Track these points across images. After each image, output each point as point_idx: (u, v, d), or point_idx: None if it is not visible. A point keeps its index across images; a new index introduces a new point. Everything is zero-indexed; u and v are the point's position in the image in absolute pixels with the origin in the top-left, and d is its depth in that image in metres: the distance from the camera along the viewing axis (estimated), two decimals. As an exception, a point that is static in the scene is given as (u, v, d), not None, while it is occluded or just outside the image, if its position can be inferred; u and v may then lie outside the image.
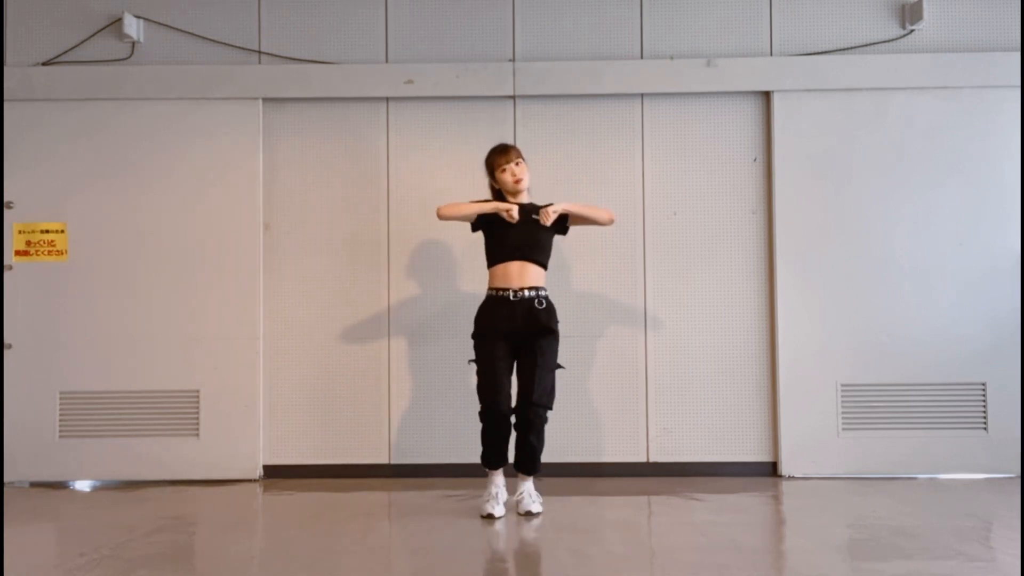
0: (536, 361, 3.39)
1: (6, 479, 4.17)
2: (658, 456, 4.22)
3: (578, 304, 4.20)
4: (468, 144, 4.23)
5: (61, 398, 4.22)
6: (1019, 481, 4.01)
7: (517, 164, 3.51)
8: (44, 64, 4.30)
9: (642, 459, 4.22)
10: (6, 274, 4.23)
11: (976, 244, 4.20)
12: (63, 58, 4.30)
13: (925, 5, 4.16)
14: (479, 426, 3.48)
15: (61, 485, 4.19)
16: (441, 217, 3.51)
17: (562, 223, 3.55)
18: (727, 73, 4.24)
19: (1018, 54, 4.19)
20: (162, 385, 4.22)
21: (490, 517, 3.38)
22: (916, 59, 4.22)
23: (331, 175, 4.32)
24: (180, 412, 4.22)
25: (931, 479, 4.11)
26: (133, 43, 4.31)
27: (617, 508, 3.58)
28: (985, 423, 4.15)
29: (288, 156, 4.32)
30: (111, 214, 4.26)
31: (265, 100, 4.31)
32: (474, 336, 3.50)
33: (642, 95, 4.30)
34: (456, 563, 2.78)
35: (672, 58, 4.28)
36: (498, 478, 3.51)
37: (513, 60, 4.30)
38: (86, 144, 4.28)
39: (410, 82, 4.26)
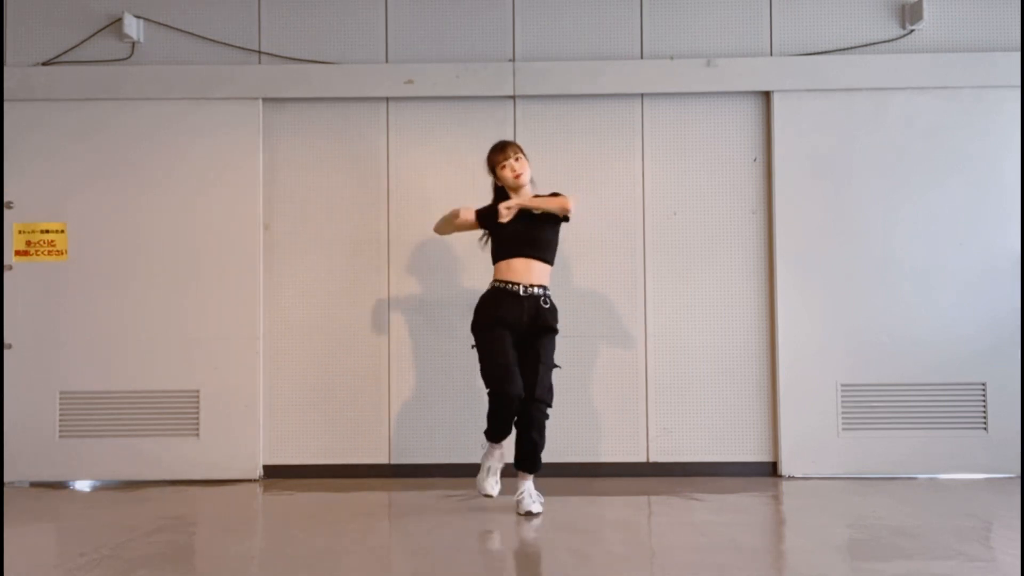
0: (539, 358, 3.41)
1: (6, 479, 4.17)
2: (658, 456, 4.22)
3: (578, 304, 4.20)
4: (468, 144, 4.23)
5: (61, 398, 4.22)
6: (1019, 481, 4.00)
7: (516, 160, 3.52)
8: (44, 64, 4.30)
9: (642, 459, 4.22)
10: (6, 274, 4.23)
11: (976, 244, 4.20)
12: (63, 58, 4.30)
13: (925, 5, 4.16)
14: (480, 426, 3.49)
15: (61, 485, 4.19)
16: (438, 233, 3.74)
17: (558, 216, 3.54)
18: (727, 73, 4.24)
19: (1018, 54, 4.19)
20: (162, 385, 4.22)
21: (488, 497, 3.44)
22: (916, 59, 4.22)
23: (331, 175, 4.32)
24: (180, 412, 4.22)
25: (931, 479, 4.11)
26: (133, 43, 4.31)
27: (617, 508, 3.58)
28: (985, 423, 4.15)
29: (288, 156, 4.32)
30: (111, 214, 4.26)
31: (265, 100, 4.31)
32: (477, 325, 3.47)
33: (642, 95, 4.30)
34: (456, 563, 2.78)
35: (672, 58, 4.28)
36: (497, 451, 3.50)
37: (513, 60, 4.30)
38: (86, 144, 4.28)
39: (410, 82, 4.26)
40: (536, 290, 3.45)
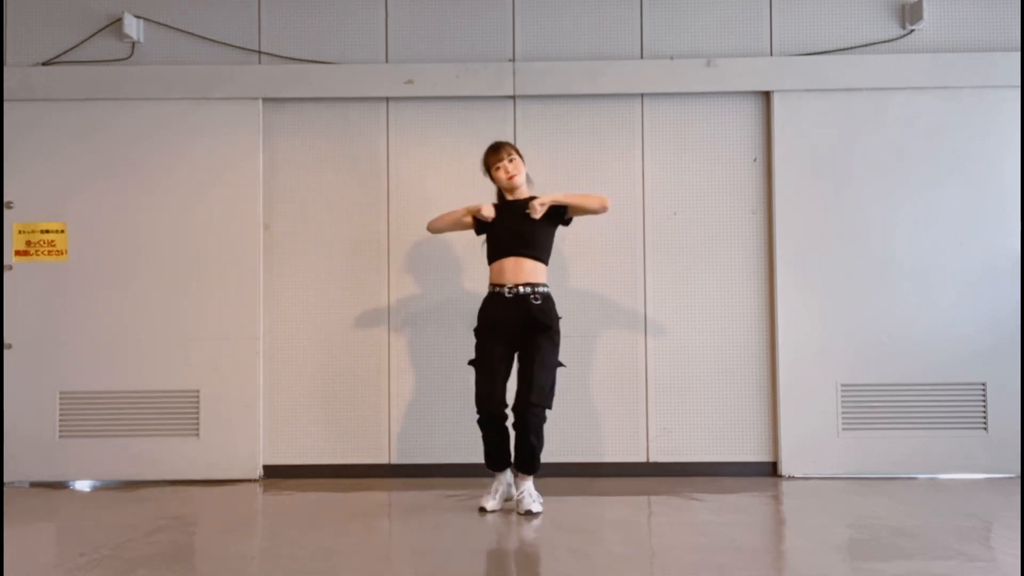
0: (533, 358, 3.40)
1: (6, 479, 4.17)
2: (658, 456, 4.22)
3: (578, 304, 4.20)
4: (468, 144, 4.23)
5: (61, 398, 4.22)
6: (1019, 481, 4.01)
7: (510, 161, 3.53)
8: (44, 64, 4.30)
9: (642, 459, 4.22)
10: (6, 274, 4.23)
11: (976, 244, 4.20)
12: (63, 58, 4.30)
13: (925, 5, 4.16)
14: (480, 434, 3.49)
15: (61, 485, 4.19)
16: (431, 231, 3.72)
17: (560, 215, 3.56)
18: (727, 73, 4.24)
19: (1018, 54, 4.19)
20: (162, 385, 4.22)
21: (482, 510, 3.45)
22: (916, 59, 4.22)
23: (331, 175, 4.32)
24: (180, 412, 4.22)
25: (931, 479, 4.11)
26: (133, 43, 4.31)
27: (617, 508, 3.58)
28: (985, 423, 4.15)
29: (288, 156, 4.32)
30: (111, 214, 4.26)
31: (265, 100, 4.31)
32: (475, 332, 3.54)
33: (642, 95, 4.30)
34: (456, 563, 2.78)
35: (672, 58, 4.28)
36: (503, 476, 3.53)
37: (513, 60, 4.30)
38: (86, 144, 4.28)
39: (410, 82, 4.26)
40: (524, 289, 3.44)
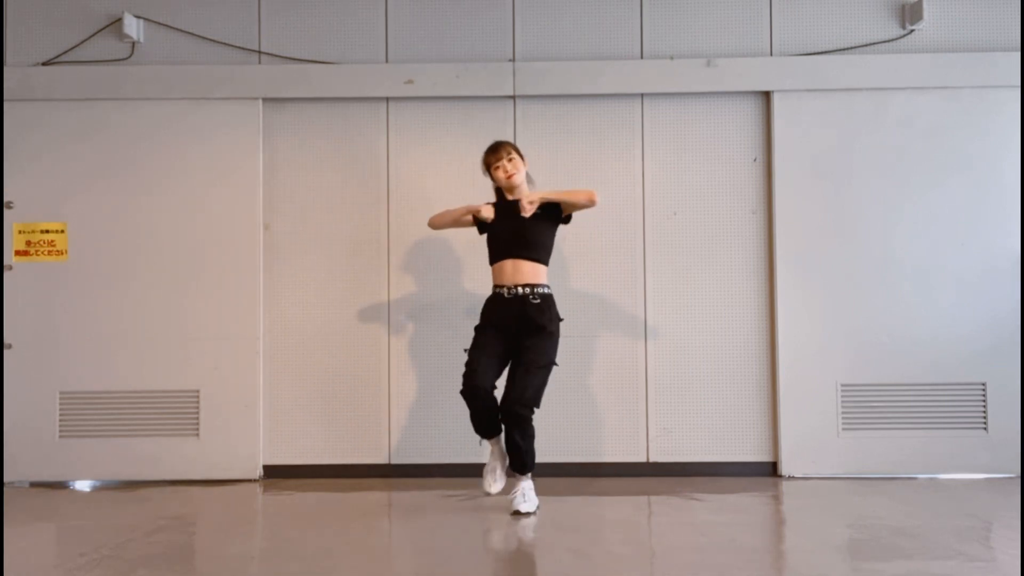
0: (524, 358, 3.41)
1: (6, 479, 4.17)
2: (658, 456, 4.22)
3: (578, 304, 4.20)
4: (468, 144, 4.23)
5: (61, 398, 4.22)
6: (1019, 481, 4.01)
7: (509, 160, 3.54)
8: (44, 64, 4.30)
9: (642, 459, 4.22)
10: (6, 274, 4.23)
11: (976, 244, 4.20)
12: (63, 58, 4.30)
13: (925, 5, 4.16)
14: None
15: (61, 485, 4.19)
16: (432, 227, 3.75)
17: (557, 214, 3.56)
18: (727, 73, 4.24)
19: (1018, 54, 4.19)
20: (162, 385, 4.22)
21: (487, 495, 3.54)
22: (916, 59, 4.22)
23: (331, 175, 4.32)
24: (180, 412, 4.22)
25: (931, 479, 4.11)
26: (133, 43, 4.31)
27: (617, 508, 3.58)
28: (985, 423, 4.15)
29: (288, 156, 4.32)
30: (111, 214, 4.26)
31: (265, 100, 4.31)
32: (476, 329, 3.56)
33: (642, 95, 4.30)
34: (456, 563, 2.78)
35: (672, 58, 4.28)
36: (494, 447, 3.55)
37: (513, 60, 4.30)
38: (86, 144, 4.28)
39: (410, 82, 4.26)
40: (523, 290, 3.44)
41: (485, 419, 3.46)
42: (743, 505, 3.61)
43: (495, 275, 3.54)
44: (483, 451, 3.73)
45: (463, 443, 4.11)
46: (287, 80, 4.28)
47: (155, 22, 4.32)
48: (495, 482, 3.52)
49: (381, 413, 4.25)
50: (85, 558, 2.82)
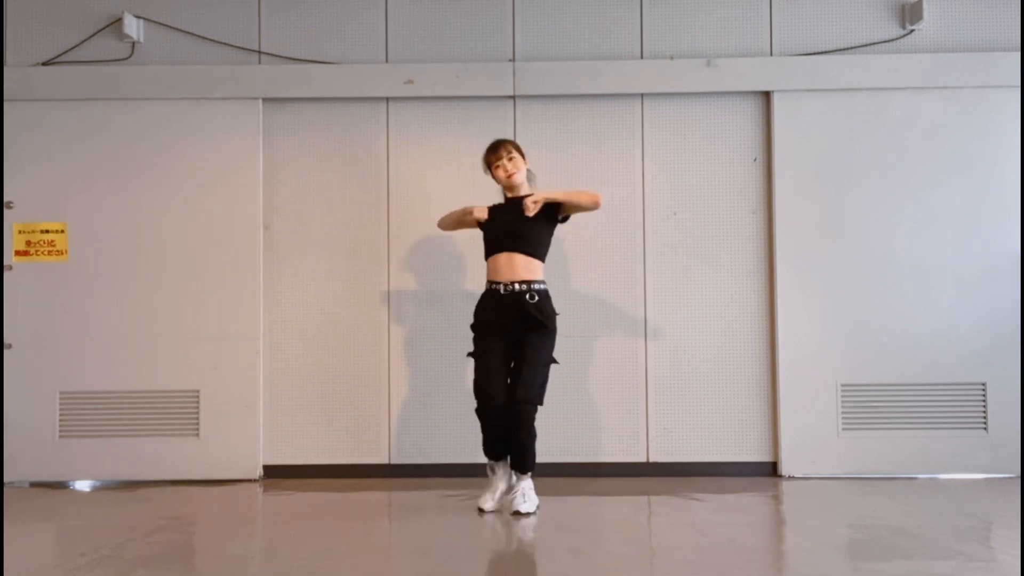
0: (526, 356, 3.41)
1: (6, 479, 4.17)
2: (658, 456, 4.22)
3: (578, 304, 4.20)
4: (468, 144, 4.23)
5: (61, 398, 4.22)
6: (1019, 481, 4.01)
7: (510, 159, 3.54)
8: (44, 64, 4.30)
9: (642, 459, 4.22)
10: (6, 274, 4.23)
11: (976, 244, 4.20)
12: (63, 58, 4.30)
13: (925, 5, 4.16)
14: (479, 425, 3.48)
15: (61, 485, 4.19)
16: (441, 229, 3.82)
17: (555, 213, 3.55)
18: (727, 73, 4.24)
19: (1018, 54, 4.19)
20: (162, 385, 4.22)
21: (480, 511, 3.45)
22: (916, 59, 4.22)
23: (331, 175, 4.32)
24: (180, 412, 4.22)
25: (931, 479, 4.11)
26: (133, 43, 4.31)
27: (617, 508, 3.58)
28: (985, 423, 4.15)
29: (288, 156, 4.32)
30: (111, 214, 4.26)
31: (265, 100, 4.31)
32: (472, 328, 3.55)
33: (642, 95, 4.30)
34: (456, 563, 2.78)
35: (672, 58, 4.28)
36: (499, 469, 3.52)
37: (513, 60, 4.30)
38: (86, 144, 4.28)
39: (410, 82, 4.26)
40: (519, 286, 3.44)
41: (501, 439, 3.45)
42: (743, 505, 3.61)
43: (489, 270, 3.52)
44: (483, 451, 3.68)
45: (463, 443, 4.11)
46: (287, 80, 4.28)
47: (155, 22, 4.32)
48: (492, 501, 3.48)
49: (381, 413, 4.25)
50: (85, 558, 2.82)
